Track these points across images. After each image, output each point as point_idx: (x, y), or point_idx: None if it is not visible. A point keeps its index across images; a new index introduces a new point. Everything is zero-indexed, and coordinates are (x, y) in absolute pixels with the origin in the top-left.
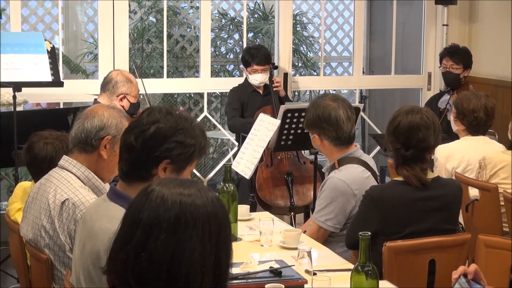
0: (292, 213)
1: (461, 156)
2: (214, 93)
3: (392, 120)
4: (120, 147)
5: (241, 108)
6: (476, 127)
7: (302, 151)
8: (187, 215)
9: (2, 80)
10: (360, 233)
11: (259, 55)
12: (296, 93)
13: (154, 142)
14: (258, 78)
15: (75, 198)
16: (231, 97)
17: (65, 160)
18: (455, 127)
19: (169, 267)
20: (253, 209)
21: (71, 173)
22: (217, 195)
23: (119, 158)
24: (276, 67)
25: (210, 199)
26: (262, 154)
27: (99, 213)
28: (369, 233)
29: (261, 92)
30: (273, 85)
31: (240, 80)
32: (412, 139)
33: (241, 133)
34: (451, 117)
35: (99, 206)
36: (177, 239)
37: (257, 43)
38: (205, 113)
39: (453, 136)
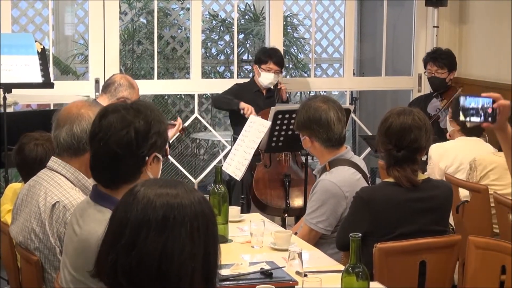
0: (286, 215)
1: (454, 155)
2: (205, 94)
3: (384, 121)
4: (99, 159)
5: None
6: (471, 127)
7: (300, 154)
8: (175, 213)
9: None
10: (350, 234)
11: (277, 56)
12: (287, 95)
13: (140, 142)
14: (270, 78)
15: (65, 200)
16: (232, 87)
17: (54, 162)
18: (450, 128)
19: (159, 264)
20: (244, 210)
21: (61, 174)
22: (203, 195)
23: (98, 169)
24: (281, 72)
25: (197, 198)
26: (261, 154)
27: (85, 217)
28: (360, 234)
29: (264, 93)
30: (278, 87)
31: (232, 82)
32: (404, 140)
33: (218, 107)
34: (447, 118)
35: (84, 210)
36: (166, 236)
37: (248, 44)
38: (196, 114)
39: (441, 139)
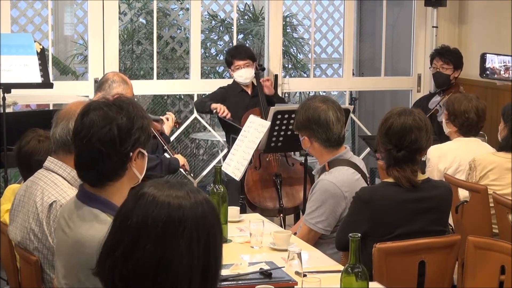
0: (281, 215)
1: (453, 156)
2: (204, 94)
3: (384, 121)
4: (83, 157)
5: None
6: (468, 128)
7: (291, 153)
8: (175, 222)
9: None
10: (350, 234)
11: (238, 51)
12: (286, 95)
13: (123, 139)
14: (242, 74)
15: (62, 200)
16: (216, 91)
17: (50, 162)
18: (447, 129)
19: (156, 275)
20: (243, 211)
21: (57, 174)
22: (207, 197)
23: (82, 168)
24: (263, 69)
25: (200, 202)
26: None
27: (74, 218)
28: (359, 234)
29: (249, 92)
30: (262, 84)
31: (231, 82)
32: (404, 140)
33: (198, 111)
34: (443, 119)
35: (72, 211)
36: (164, 247)
37: (247, 44)
38: (195, 114)
39: (443, 138)
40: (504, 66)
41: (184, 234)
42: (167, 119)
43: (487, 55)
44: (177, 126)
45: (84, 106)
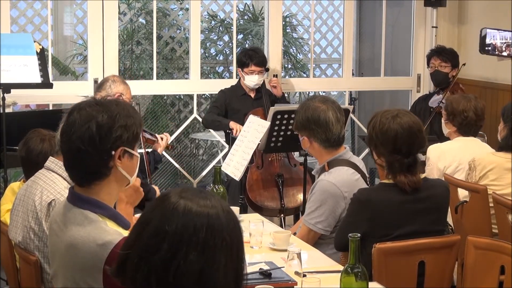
0: (282, 215)
1: (453, 155)
2: (204, 94)
3: (385, 131)
4: (66, 156)
5: (224, 110)
6: (467, 127)
7: (293, 153)
8: (216, 234)
9: None
10: (349, 234)
11: (257, 56)
12: (286, 95)
13: (103, 136)
14: (254, 80)
15: (61, 198)
16: (218, 97)
17: (51, 162)
18: (446, 130)
19: (195, 286)
20: (243, 211)
21: (57, 174)
22: (229, 207)
23: (68, 166)
24: (267, 69)
25: (230, 212)
26: (253, 155)
27: (66, 221)
28: (359, 234)
29: (252, 96)
30: (270, 84)
31: (231, 82)
32: (413, 145)
33: (211, 129)
34: (442, 120)
35: (63, 214)
36: (205, 259)
37: (247, 45)
38: (195, 114)
39: (443, 138)
40: (505, 43)
41: (223, 247)
42: (162, 139)
43: (487, 30)
44: (169, 148)
45: (71, 107)
